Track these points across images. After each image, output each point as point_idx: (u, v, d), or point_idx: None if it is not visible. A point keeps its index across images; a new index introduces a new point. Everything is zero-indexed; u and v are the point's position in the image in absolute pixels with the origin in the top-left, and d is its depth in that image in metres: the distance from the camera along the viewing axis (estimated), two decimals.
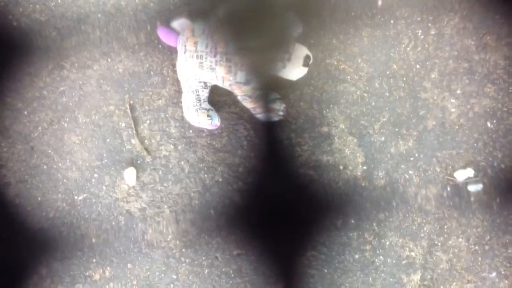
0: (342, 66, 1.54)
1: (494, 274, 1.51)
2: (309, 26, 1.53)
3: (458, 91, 1.53)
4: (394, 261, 1.52)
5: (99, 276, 1.53)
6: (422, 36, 1.54)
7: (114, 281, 1.53)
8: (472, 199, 1.51)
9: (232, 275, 1.53)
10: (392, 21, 1.54)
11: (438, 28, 1.53)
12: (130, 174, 1.54)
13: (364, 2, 1.54)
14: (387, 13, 1.54)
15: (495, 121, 1.52)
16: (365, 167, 1.53)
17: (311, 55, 1.45)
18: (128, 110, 1.55)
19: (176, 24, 1.46)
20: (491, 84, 1.53)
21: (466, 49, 1.53)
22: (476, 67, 1.53)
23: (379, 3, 1.54)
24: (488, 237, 1.51)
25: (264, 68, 1.41)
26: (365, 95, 1.54)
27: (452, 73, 1.53)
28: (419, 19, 1.53)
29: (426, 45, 1.54)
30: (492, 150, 1.52)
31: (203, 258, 1.53)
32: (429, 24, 1.54)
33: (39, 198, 1.54)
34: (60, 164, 1.55)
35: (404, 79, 1.53)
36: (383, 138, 1.53)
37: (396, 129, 1.53)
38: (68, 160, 1.55)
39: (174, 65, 1.55)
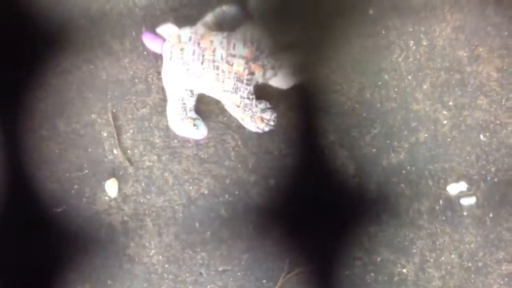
0: (332, 76, 1.54)
1: None
2: (299, 35, 1.52)
3: (450, 103, 1.53)
4: (385, 278, 1.50)
5: None
6: (414, 47, 1.54)
7: None
8: (465, 213, 1.51)
9: None
10: (383, 31, 1.54)
11: (430, 39, 1.54)
12: (111, 186, 1.52)
13: (355, 12, 1.54)
14: (379, 23, 1.54)
15: (488, 134, 1.52)
16: (356, 180, 1.51)
17: (301, 64, 1.45)
18: (111, 119, 1.54)
19: (162, 30, 1.44)
20: (483, 96, 1.53)
21: (458, 61, 1.54)
22: (469, 79, 1.53)
23: (370, 12, 1.54)
24: (482, 253, 1.50)
25: (254, 76, 1.39)
26: (356, 106, 1.53)
27: (444, 85, 1.54)
28: (410, 29, 1.54)
29: (418, 56, 1.54)
30: (485, 163, 1.52)
31: (187, 274, 1.51)
32: (421, 35, 1.54)
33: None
34: (38, 175, 1.53)
35: (396, 90, 1.53)
36: (374, 150, 1.52)
37: (388, 141, 1.52)
38: (46, 170, 1.53)
39: (159, 73, 1.53)
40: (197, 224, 1.52)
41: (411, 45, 1.54)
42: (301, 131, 1.52)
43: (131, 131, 1.54)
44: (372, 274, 1.50)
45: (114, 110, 1.54)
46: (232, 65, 1.36)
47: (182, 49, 1.37)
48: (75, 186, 1.53)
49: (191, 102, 1.44)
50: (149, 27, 1.53)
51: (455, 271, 1.50)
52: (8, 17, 1.55)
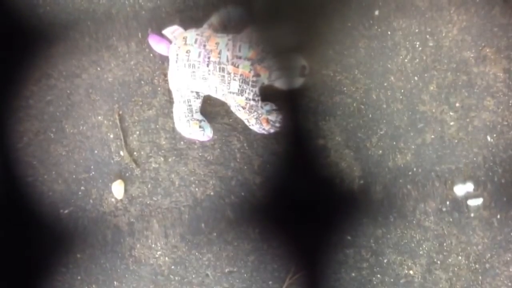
0: (338, 77, 1.52)
1: None
2: (305, 37, 1.52)
3: (457, 104, 1.51)
4: (392, 280, 1.49)
5: None
6: (420, 48, 1.52)
7: None
8: (472, 215, 1.49)
9: None
10: (389, 32, 1.53)
11: (436, 40, 1.52)
12: (118, 187, 1.52)
13: (361, 13, 1.53)
14: (384, 24, 1.53)
15: (495, 135, 1.51)
16: (362, 181, 1.50)
17: (307, 66, 1.43)
18: (117, 121, 1.53)
19: (168, 31, 1.44)
20: (490, 97, 1.51)
21: (465, 62, 1.52)
22: (475, 80, 1.52)
23: (376, 13, 1.53)
24: (489, 255, 1.49)
25: (260, 77, 1.39)
26: (362, 107, 1.52)
27: (451, 86, 1.52)
28: (416, 30, 1.52)
29: (424, 57, 1.52)
30: (492, 165, 1.50)
31: (193, 276, 1.50)
32: (427, 36, 1.52)
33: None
34: (45, 176, 1.53)
35: (402, 91, 1.52)
36: (380, 152, 1.51)
37: (394, 143, 1.51)
38: (54, 172, 1.53)
39: (165, 75, 1.53)
40: (203, 225, 1.51)
41: (417, 46, 1.52)
42: (306, 132, 1.51)
43: (138, 133, 1.53)
44: (379, 276, 1.49)
45: (120, 112, 1.53)
46: (237, 67, 1.36)
47: (188, 51, 1.37)
48: (82, 188, 1.53)
49: (196, 104, 1.44)
50: (155, 29, 1.52)
51: (462, 273, 1.49)
52: (13, 21, 1.55)
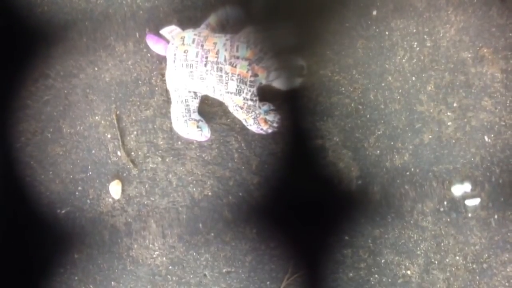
0: (336, 78, 1.52)
1: None
2: (303, 37, 1.52)
3: (455, 104, 1.51)
4: (389, 280, 1.49)
5: None
6: (418, 48, 1.52)
7: None
8: (469, 215, 1.49)
9: None
10: (387, 33, 1.53)
11: (434, 40, 1.52)
12: (115, 187, 1.51)
13: (359, 13, 1.53)
14: (382, 24, 1.53)
15: (492, 135, 1.50)
16: (360, 182, 1.50)
17: (305, 66, 1.43)
18: (115, 121, 1.53)
19: (166, 31, 1.44)
20: (488, 98, 1.51)
21: (463, 62, 1.52)
22: (473, 80, 1.51)
23: (374, 13, 1.52)
24: (486, 255, 1.49)
25: (257, 77, 1.39)
26: (360, 107, 1.52)
27: (449, 86, 1.52)
28: (414, 30, 1.52)
29: (422, 57, 1.52)
30: (490, 165, 1.50)
31: (191, 276, 1.50)
32: (425, 36, 1.52)
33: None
34: (43, 176, 1.53)
35: (400, 91, 1.52)
36: (378, 152, 1.51)
37: (392, 143, 1.51)
38: (51, 172, 1.53)
39: (163, 75, 1.53)
40: (200, 226, 1.50)
41: (414, 46, 1.53)
42: (304, 132, 1.51)
43: (135, 133, 1.53)
44: (376, 276, 1.49)
45: (118, 112, 1.53)
46: (235, 66, 1.35)
47: (185, 51, 1.37)
48: (79, 188, 1.52)
49: (194, 104, 1.44)
50: (152, 29, 1.52)
51: (459, 273, 1.49)
52: (11, 21, 1.55)
